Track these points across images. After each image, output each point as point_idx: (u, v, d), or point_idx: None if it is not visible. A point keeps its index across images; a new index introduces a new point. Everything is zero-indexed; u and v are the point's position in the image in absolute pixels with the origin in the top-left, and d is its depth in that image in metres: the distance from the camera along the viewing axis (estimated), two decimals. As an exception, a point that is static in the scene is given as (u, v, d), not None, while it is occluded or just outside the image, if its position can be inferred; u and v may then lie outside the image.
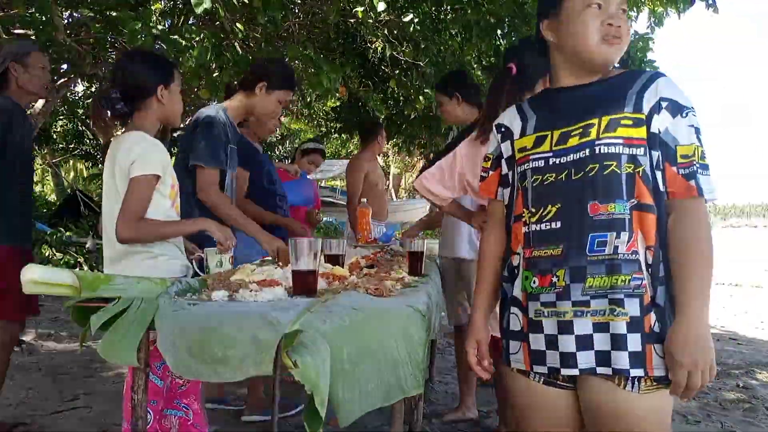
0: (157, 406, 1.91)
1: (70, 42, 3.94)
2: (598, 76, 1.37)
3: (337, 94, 6.04)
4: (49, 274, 1.22)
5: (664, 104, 1.27)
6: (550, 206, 1.33)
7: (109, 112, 1.93)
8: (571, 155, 1.31)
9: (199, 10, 3.08)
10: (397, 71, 6.49)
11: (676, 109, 1.27)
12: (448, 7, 5.34)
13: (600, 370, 1.26)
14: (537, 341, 1.33)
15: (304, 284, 1.47)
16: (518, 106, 1.50)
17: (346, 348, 1.15)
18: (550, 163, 1.34)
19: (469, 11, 4.90)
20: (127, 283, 1.35)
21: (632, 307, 1.23)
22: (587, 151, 1.29)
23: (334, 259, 1.97)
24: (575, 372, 1.28)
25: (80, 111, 11.90)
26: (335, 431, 1.43)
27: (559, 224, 1.31)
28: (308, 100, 9.08)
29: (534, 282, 1.34)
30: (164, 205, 1.93)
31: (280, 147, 15.51)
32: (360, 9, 4.39)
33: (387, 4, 4.44)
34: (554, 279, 1.30)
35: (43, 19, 3.59)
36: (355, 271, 1.89)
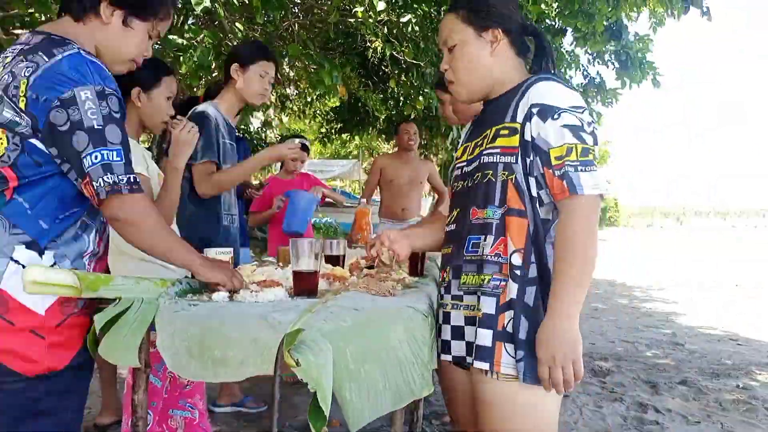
0: (157, 407, 1.91)
1: (69, 42, 3.92)
2: (500, 91, 1.46)
3: (337, 94, 6.04)
4: (50, 274, 1.22)
5: (534, 110, 1.32)
6: (454, 211, 1.47)
7: None
8: (471, 165, 1.44)
9: (198, 9, 3.08)
10: (397, 71, 6.50)
11: (546, 113, 1.30)
12: (447, 6, 5.34)
13: (468, 359, 1.37)
14: (440, 329, 1.48)
15: (304, 285, 1.47)
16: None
17: (349, 348, 1.15)
18: (462, 172, 1.48)
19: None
20: (127, 283, 1.35)
21: (487, 305, 1.32)
22: (477, 161, 1.41)
23: (335, 260, 1.97)
24: (449, 358, 1.43)
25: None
26: (336, 431, 1.43)
27: (454, 227, 1.46)
28: (309, 99, 9.08)
29: (440, 277, 1.54)
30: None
31: (280, 147, 15.48)
32: (360, 9, 4.39)
33: (386, 3, 4.44)
34: (444, 275, 1.47)
35: (43, 19, 3.58)
36: (355, 272, 1.89)
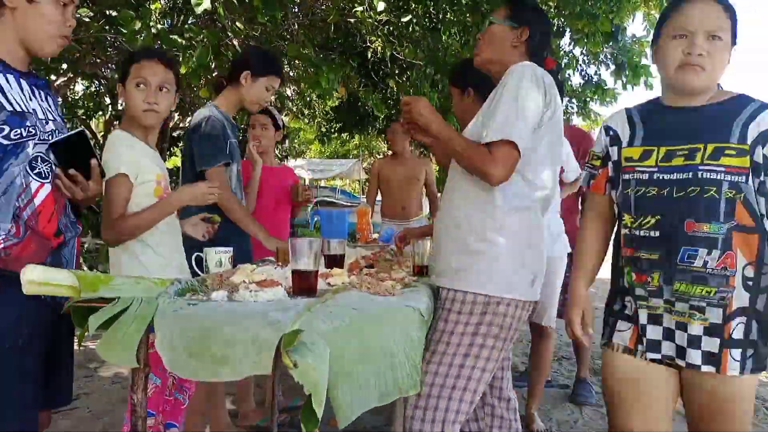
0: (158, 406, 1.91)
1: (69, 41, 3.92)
2: (704, 99, 1.50)
3: (336, 94, 6.04)
4: (49, 274, 1.22)
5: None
6: (650, 216, 1.50)
7: None
8: (675, 174, 1.47)
9: (199, 10, 3.08)
10: (397, 71, 6.50)
11: None
12: (446, 7, 5.34)
13: (678, 361, 1.48)
14: (643, 328, 1.53)
15: (304, 284, 1.47)
16: (628, 112, 1.64)
17: (346, 348, 1.16)
18: (654, 177, 1.50)
19: (468, 14, 4.90)
20: (126, 283, 1.35)
21: (713, 315, 1.42)
22: (690, 173, 1.44)
23: (334, 259, 1.97)
24: (657, 356, 1.51)
25: (80, 111, 11.88)
26: (334, 431, 1.43)
27: (657, 233, 1.49)
28: (308, 99, 9.08)
29: (632, 277, 1.54)
30: (150, 203, 1.93)
31: (279, 146, 15.52)
32: (359, 9, 4.39)
33: (386, 3, 4.44)
34: (649, 279, 1.50)
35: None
36: (355, 271, 1.89)
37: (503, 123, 1.59)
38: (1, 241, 1.43)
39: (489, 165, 1.58)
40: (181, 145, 11.18)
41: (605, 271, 1.73)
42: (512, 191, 1.66)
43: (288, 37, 5.43)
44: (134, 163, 1.88)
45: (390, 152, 4.68)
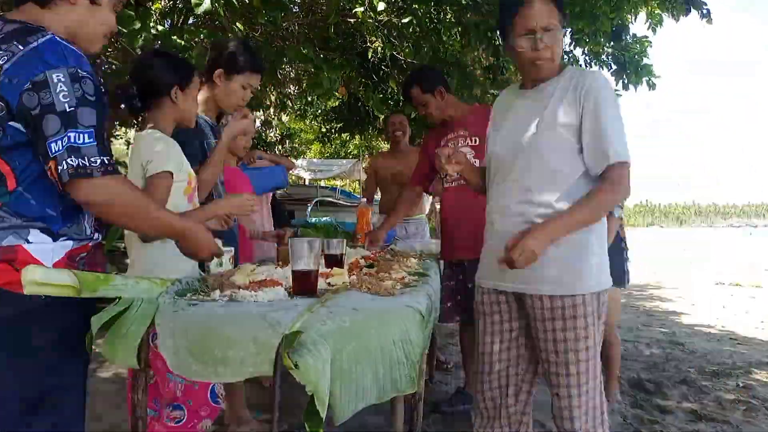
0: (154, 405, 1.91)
1: (69, 42, 3.91)
2: None
3: (337, 94, 6.04)
4: (49, 274, 1.22)
5: None
6: None
7: (123, 106, 1.95)
8: None
9: (199, 11, 3.08)
10: (397, 71, 6.50)
11: None
12: (447, 8, 5.35)
13: None
14: None
15: (304, 284, 1.47)
16: None
17: (346, 349, 1.16)
18: None
19: (468, 14, 4.91)
20: (127, 283, 1.35)
21: None
22: None
23: (334, 259, 1.97)
24: None
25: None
26: (336, 431, 1.43)
27: None
28: (308, 99, 9.08)
29: None
30: (180, 201, 1.95)
31: (280, 146, 15.53)
32: (360, 9, 4.39)
33: (386, 3, 4.44)
34: None
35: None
36: (355, 271, 1.89)
37: (620, 143, 1.68)
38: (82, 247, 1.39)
39: (620, 194, 1.70)
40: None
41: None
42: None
43: (288, 37, 5.43)
44: (177, 162, 1.92)
45: (388, 146, 4.54)
